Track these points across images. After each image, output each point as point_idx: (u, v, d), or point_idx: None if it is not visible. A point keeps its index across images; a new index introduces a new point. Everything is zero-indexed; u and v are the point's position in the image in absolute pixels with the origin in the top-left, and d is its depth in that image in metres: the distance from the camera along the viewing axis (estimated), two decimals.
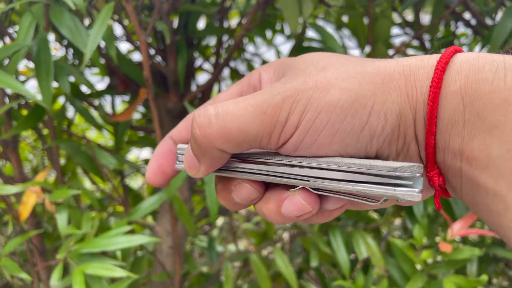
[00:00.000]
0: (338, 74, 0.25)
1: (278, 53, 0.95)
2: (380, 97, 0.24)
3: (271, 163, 0.28)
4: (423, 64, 0.25)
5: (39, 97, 0.57)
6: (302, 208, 0.27)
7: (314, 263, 0.79)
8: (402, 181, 0.24)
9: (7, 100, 0.66)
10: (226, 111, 0.26)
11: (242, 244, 1.21)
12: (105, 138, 1.23)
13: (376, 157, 0.26)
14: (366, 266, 0.79)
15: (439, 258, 0.67)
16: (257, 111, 0.25)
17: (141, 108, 0.90)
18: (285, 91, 0.26)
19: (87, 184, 1.12)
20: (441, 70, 0.23)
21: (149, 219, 0.93)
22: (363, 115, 0.24)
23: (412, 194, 0.23)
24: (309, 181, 0.27)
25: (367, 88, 0.24)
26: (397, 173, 0.23)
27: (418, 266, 0.69)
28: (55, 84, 0.70)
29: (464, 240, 0.76)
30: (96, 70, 0.87)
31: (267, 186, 0.30)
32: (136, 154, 1.25)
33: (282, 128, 0.25)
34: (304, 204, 0.27)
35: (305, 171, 0.27)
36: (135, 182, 1.33)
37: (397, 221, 0.99)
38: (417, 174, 0.23)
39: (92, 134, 1.24)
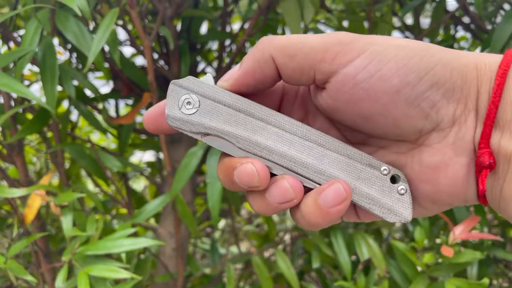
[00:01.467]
0: (404, 41, 0.26)
1: None
2: (449, 55, 0.25)
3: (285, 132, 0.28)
4: (491, 55, 0.26)
5: (43, 100, 0.58)
6: (285, 193, 0.26)
7: (315, 264, 0.79)
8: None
9: (12, 103, 0.67)
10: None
11: (244, 246, 1.22)
12: (107, 140, 1.23)
13: (432, 109, 0.26)
14: (368, 267, 0.79)
15: (440, 260, 0.68)
16: (323, 35, 0.26)
17: (144, 111, 0.90)
18: (355, 35, 0.26)
19: (90, 186, 1.13)
20: (511, 54, 0.25)
21: (152, 221, 0.93)
22: (431, 62, 0.24)
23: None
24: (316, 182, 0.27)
25: (436, 49, 0.25)
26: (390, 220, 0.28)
27: (419, 268, 0.70)
28: (59, 88, 0.71)
29: (465, 242, 0.76)
30: (100, 74, 0.88)
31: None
32: (139, 156, 1.26)
33: (344, 47, 0.25)
34: (288, 188, 0.26)
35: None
36: (138, 185, 1.34)
37: (398, 223, 1.00)
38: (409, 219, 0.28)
39: (94, 136, 1.25)
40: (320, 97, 0.27)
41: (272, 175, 0.28)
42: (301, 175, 0.27)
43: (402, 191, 0.27)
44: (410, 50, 0.25)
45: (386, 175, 0.28)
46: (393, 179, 0.28)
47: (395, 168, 0.28)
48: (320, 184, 0.27)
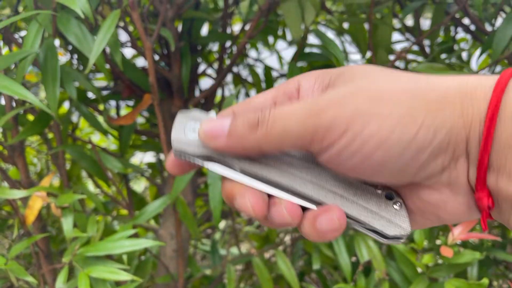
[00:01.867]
0: (390, 87, 0.25)
1: (280, 59, 0.96)
2: (432, 113, 0.24)
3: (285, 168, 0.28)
4: (481, 83, 0.25)
5: (44, 102, 0.58)
6: (283, 218, 0.28)
7: (316, 266, 0.79)
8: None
9: (13, 104, 0.67)
10: (276, 113, 0.27)
11: (244, 247, 1.22)
12: (107, 141, 1.24)
13: (420, 169, 0.26)
14: (368, 269, 0.80)
15: (439, 261, 0.68)
16: (303, 112, 0.26)
17: (145, 113, 0.91)
18: (334, 97, 0.26)
19: (91, 187, 1.13)
20: (500, 91, 0.23)
21: (152, 222, 0.94)
22: (412, 129, 0.24)
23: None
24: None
25: (420, 103, 0.24)
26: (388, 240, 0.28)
27: (419, 269, 0.70)
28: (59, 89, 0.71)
29: (465, 243, 0.76)
30: (101, 75, 0.88)
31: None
32: (139, 158, 1.26)
33: (326, 132, 0.25)
34: (285, 214, 0.27)
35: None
36: (138, 186, 1.34)
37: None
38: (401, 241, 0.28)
39: (95, 138, 1.25)
40: (317, 157, 0.28)
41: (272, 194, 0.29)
42: (301, 193, 0.28)
43: (398, 207, 0.28)
44: (391, 120, 0.24)
45: (380, 193, 0.29)
46: (388, 197, 0.29)
47: (386, 188, 0.29)
48: (319, 201, 0.28)
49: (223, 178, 0.30)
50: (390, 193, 0.29)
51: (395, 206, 0.28)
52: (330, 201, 0.28)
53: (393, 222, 0.28)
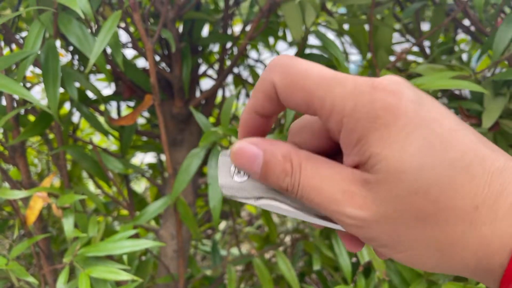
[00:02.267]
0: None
1: None
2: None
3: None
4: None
5: (44, 102, 0.58)
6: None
7: (316, 266, 0.79)
8: None
9: (15, 104, 0.67)
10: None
11: (244, 248, 1.22)
12: (107, 142, 1.24)
13: None
14: (368, 270, 0.80)
15: None
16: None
17: (145, 113, 0.91)
18: (379, 203, 0.24)
19: (91, 187, 1.13)
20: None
21: (152, 223, 0.94)
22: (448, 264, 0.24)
23: None
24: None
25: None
26: None
27: (418, 272, 0.70)
28: (60, 90, 0.71)
29: None
30: (102, 75, 0.88)
31: None
32: (140, 158, 1.27)
33: (365, 235, 0.25)
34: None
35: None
36: (139, 186, 1.34)
37: None
38: None
39: (95, 138, 1.26)
40: None
41: None
42: None
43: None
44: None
45: None
46: None
47: None
48: None
49: None
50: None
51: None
52: None
53: None
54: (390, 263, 0.76)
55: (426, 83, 0.58)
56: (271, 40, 0.91)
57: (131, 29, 0.75)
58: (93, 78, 0.90)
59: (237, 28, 1.10)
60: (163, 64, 0.80)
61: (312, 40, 1.08)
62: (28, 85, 0.83)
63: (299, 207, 0.28)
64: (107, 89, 0.98)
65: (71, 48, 0.77)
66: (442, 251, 0.23)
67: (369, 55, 0.81)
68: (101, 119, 0.79)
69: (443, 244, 0.23)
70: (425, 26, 0.96)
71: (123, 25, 0.70)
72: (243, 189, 0.28)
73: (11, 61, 0.56)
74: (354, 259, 0.83)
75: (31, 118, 0.73)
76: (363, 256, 0.75)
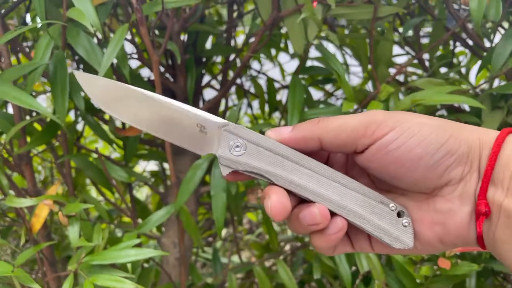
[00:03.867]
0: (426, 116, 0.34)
1: (283, 71, 0.98)
2: (458, 130, 0.33)
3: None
4: (490, 130, 0.33)
5: (49, 111, 0.59)
6: (314, 217, 0.33)
7: (316, 275, 0.80)
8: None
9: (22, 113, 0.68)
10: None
11: (245, 256, 1.23)
12: (110, 149, 1.25)
13: (445, 172, 0.33)
14: (367, 278, 0.81)
15: (438, 272, 0.69)
16: (357, 115, 0.33)
17: None
18: (388, 113, 0.33)
19: (94, 194, 1.14)
20: (508, 131, 0.33)
21: (154, 230, 0.95)
22: (445, 136, 0.32)
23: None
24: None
25: (449, 124, 0.33)
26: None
27: (418, 280, 0.71)
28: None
29: (463, 254, 0.78)
30: None
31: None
32: (142, 166, 1.28)
33: (379, 125, 0.32)
34: (316, 213, 0.33)
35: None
36: (141, 194, 1.35)
37: None
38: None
39: (98, 145, 1.27)
40: (358, 158, 0.34)
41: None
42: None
43: (406, 224, 0.34)
44: (429, 127, 0.32)
45: (393, 210, 0.34)
46: (399, 214, 0.34)
47: (400, 205, 0.34)
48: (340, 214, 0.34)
49: (270, 185, 0.35)
50: (401, 211, 0.34)
51: (403, 222, 0.34)
52: (351, 218, 0.34)
53: (400, 239, 0.34)
54: (390, 271, 0.77)
55: (425, 98, 0.60)
56: (273, 51, 0.92)
57: (136, 39, 0.76)
58: None
59: (240, 39, 1.11)
60: (167, 75, 0.82)
61: (314, 51, 1.10)
62: (33, 93, 0.84)
63: (283, 185, 0.33)
64: None
65: (76, 57, 0.78)
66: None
67: (369, 66, 0.83)
68: (105, 128, 0.80)
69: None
70: (425, 38, 0.98)
71: (129, 36, 0.72)
72: (238, 162, 0.34)
73: (21, 72, 0.58)
74: (353, 268, 0.84)
75: (38, 127, 0.74)
76: (363, 265, 0.76)
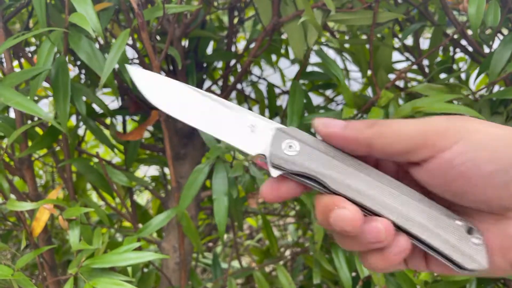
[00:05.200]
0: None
1: (283, 77, 0.98)
2: None
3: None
4: None
5: (50, 115, 0.60)
6: (378, 234, 0.29)
7: (316, 280, 0.80)
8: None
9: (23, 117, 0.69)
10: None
11: (245, 261, 1.23)
12: (111, 154, 1.25)
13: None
14: (368, 284, 0.80)
15: (438, 278, 0.69)
16: (415, 121, 0.29)
17: (150, 127, 0.92)
18: (446, 117, 0.29)
19: (94, 198, 1.15)
20: None
21: (155, 235, 0.95)
22: None
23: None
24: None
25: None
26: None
27: (418, 286, 0.71)
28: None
29: None
30: (108, 90, 0.90)
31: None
32: (143, 171, 1.28)
33: (442, 135, 0.28)
34: (381, 230, 0.29)
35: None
36: (141, 199, 1.35)
37: None
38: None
39: (99, 150, 1.27)
40: (414, 170, 0.30)
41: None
42: (388, 219, 0.30)
43: (477, 242, 0.30)
44: (502, 138, 0.27)
45: (462, 227, 0.30)
46: (469, 231, 0.30)
47: (469, 222, 0.30)
48: (403, 229, 0.30)
49: (319, 195, 0.32)
50: (470, 227, 0.30)
51: (474, 240, 0.30)
52: (415, 230, 0.30)
53: (473, 257, 0.29)
54: (390, 276, 0.77)
55: (425, 106, 0.60)
56: (273, 57, 0.93)
57: (138, 45, 0.77)
58: (99, 92, 0.92)
59: (240, 45, 1.12)
60: None
61: (314, 57, 1.11)
62: (35, 98, 0.85)
63: (339, 190, 0.30)
64: (113, 103, 1.00)
65: (78, 62, 0.78)
66: None
67: (369, 72, 0.83)
68: (107, 133, 0.81)
69: None
70: (424, 43, 0.99)
71: (130, 42, 0.72)
72: (291, 162, 0.31)
73: (24, 77, 0.58)
74: (354, 273, 0.84)
75: (39, 131, 0.74)
76: (363, 270, 0.76)
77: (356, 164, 0.31)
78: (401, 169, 0.33)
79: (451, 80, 0.81)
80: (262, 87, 0.94)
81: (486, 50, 0.80)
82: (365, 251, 0.31)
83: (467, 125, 0.28)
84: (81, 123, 0.78)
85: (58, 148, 0.84)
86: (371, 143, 0.30)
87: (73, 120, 1.00)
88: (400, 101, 0.78)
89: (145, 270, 0.87)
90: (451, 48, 0.90)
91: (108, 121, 0.83)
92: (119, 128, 0.88)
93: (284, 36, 0.88)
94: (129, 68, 0.36)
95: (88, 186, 0.98)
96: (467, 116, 0.30)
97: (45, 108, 1.20)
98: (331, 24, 0.89)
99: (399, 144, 0.29)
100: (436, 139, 0.28)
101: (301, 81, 0.81)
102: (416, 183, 0.32)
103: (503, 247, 0.29)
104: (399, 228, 0.30)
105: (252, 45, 0.81)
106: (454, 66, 0.92)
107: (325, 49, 0.90)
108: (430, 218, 0.30)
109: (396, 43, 0.90)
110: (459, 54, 1.00)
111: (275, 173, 0.32)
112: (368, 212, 0.30)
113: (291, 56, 0.92)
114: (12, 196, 0.75)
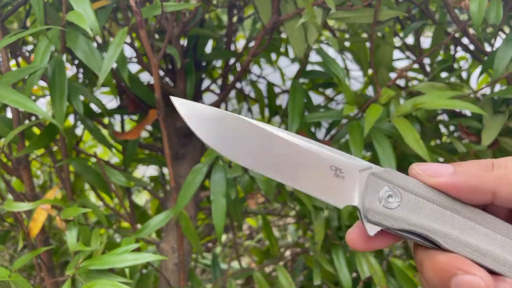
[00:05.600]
0: None
1: (283, 76, 0.98)
2: None
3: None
4: None
5: (49, 115, 0.59)
6: None
7: (316, 281, 0.80)
8: None
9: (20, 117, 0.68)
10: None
11: (245, 262, 1.22)
12: (109, 154, 1.24)
13: None
14: (368, 284, 0.80)
15: None
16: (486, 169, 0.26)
17: (148, 127, 0.92)
18: None
19: (93, 199, 1.14)
20: None
21: (153, 236, 0.94)
22: None
23: None
24: None
25: None
26: None
27: (419, 286, 0.70)
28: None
29: None
30: (105, 89, 0.89)
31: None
32: (142, 171, 1.27)
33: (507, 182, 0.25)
34: None
35: None
36: (140, 199, 1.35)
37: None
38: None
39: (97, 150, 1.26)
40: None
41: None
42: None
43: None
44: None
45: None
46: None
47: None
48: None
49: (425, 249, 0.27)
50: None
51: None
52: None
53: None
54: (391, 277, 0.77)
55: (426, 103, 0.59)
56: (273, 56, 0.92)
57: (136, 44, 0.76)
58: (97, 91, 0.92)
59: (240, 44, 1.11)
60: (167, 79, 0.82)
61: (314, 56, 1.10)
62: (33, 97, 0.84)
63: (455, 249, 0.26)
64: (111, 103, 1.00)
65: (76, 61, 0.78)
66: None
67: (370, 71, 0.82)
68: (105, 132, 0.80)
69: None
70: (425, 42, 0.98)
71: (128, 40, 0.72)
72: (392, 218, 0.26)
73: (20, 76, 0.57)
74: (354, 274, 0.83)
75: (36, 131, 0.73)
76: (364, 271, 0.75)
77: (473, 213, 0.26)
78: None
79: (452, 79, 0.80)
80: (262, 86, 0.94)
81: (488, 48, 0.79)
82: None
83: None
84: (79, 123, 0.77)
85: (56, 148, 0.84)
86: (495, 191, 0.25)
87: (71, 119, 1.00)
88: (401, 101, 0.78)
89: (144, 271, 0.86)
90: (452, 47, 0.89)
91: (106, 120, 0.82)
92: (118, 128, 0.87)
93: (284, 35, 0.87)
94: (174, 100, 0.31)
95: (87, 186, 0.97)
96: None
97: (43, 107, 1.20)
98: (331, 23, 0.88)
99: (474, 194, 0.26)
100: (499, 185, 0.25)
101: (301, 80, 0.80)
102: None
103: None
104: None
105: (252, 44, 0.80)
106: (455, 65, 0.92)
107: (325, 47, 0.89)
108: None
109: (397, 41, 0.89)
110: (460, 53, 0.99)
111: (372, 230, 0.27)
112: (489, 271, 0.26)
113: (291, 55, 0.91)
114: (10, 197, 0.74)
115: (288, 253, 1.02)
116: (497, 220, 0.26)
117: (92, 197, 1.15)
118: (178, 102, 0.31)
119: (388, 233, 0.27)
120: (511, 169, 0.25)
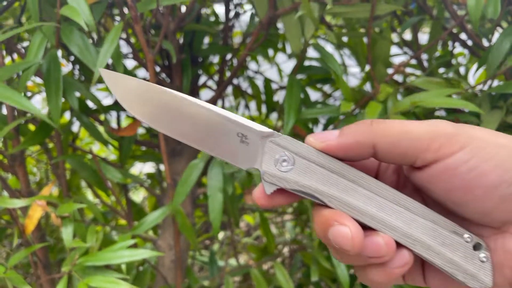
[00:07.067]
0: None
1: (280, 72, 0.97)
2: None
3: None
4: None
5: (44, 111, 0.59)
6: (378, 249, 0.28)
7: (314, 277, 0.79)
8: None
9: (15, 113, 0.68)
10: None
11: (242, 259, 1.22)
12: (106, 151, 1.24)
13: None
14: None
15: None
16: (420, 122, 0.28)
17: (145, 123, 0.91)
18: (456, 125, 0.28)
19: (90, 197, 1.13)
20: None
21: (150, 233, 0.94)
22: None
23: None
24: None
25: None
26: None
27: None
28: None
29: None
30: (101, 85, 0.88)
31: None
32: (139, 168, 1.27)
33: (449, 139, 0.27)
34: (382, 245, 0.28)
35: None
36: (137, 196, 1.34)
37: None
38: None
39: (94, 147, 1.26)
40: (415, 176, 0.29)
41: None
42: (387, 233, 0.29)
43: (484, 259, 0.28)
44: (509, 150, 0.27)
45: (468, 242, 0.29)
46: (475, 247, 0.29)
47: (476, 236, 0.29)
48: (405, 245, 0.29)
49: (317, 206, 0.30)
50: (478, 243, 0.29)
51: (481, 256, 0.28)
52: (418, 249, 0.29)
53: (477, 276, 0.28)
54: None
55: (424, 100, 0.59)
56: (270, 52, 0.92)
57: (132, 39, 0.75)
58: (93, 87, 0.91)
59: (237, 39, 1.11)
60: (163, 75, 0.81)
61: (311, 52, 1.10)
62: (29, 94, 0.83)
63: (338, 208, 0.29)
64: (107, 99, 0.99)
65: (72, 58, 0.77)
66: None
67: (367, 67, 0.82)
68: (101, 129, 0.80)
69: None
70: (423, 38, 0.98)
71: (124, 36, 0.71)
72: (285, 180, 0.30)
73: (14, 71, 0.57)
74: (351, 271, 0.83)
75: (31, 127, 0.73)
76: None
77: (357, 177, 0.29)
78: (402, 178, 0.32)
79: (450, 75, 0.80)
80: (259, 82, 0.93)
81: (486, 44, 0.79)
82: (363, 265, 0.29)
83: (474, 133, 0.27)
84: (75, 119, 0.77)
85: (52, 145, 0.83)
86: (374, 144, 0.28)
87: (67, 116, 0.99)
88: (399, 97, 0.77)
89: (141, 268, 0.86)
90: (450, 43, 0.89)
91: (102, 117, 0.82)
92: (114, 124, 0.86)
93: (281, 31, 0.86)
94: (102, 71, 0.33)
95: (84, 184, 0.97)
96: (479, 127, 0.28)
97: (39, 104, 1.19)
98: (328, 18, 0.88)
99: (404, 144, 0.27)
100: (442, 143, 0.27)
101: (299, 76, 0.79)
102: (417, 192, 0.31)
103: (501, 263, 0.28)
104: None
105: (249, 39, 0.80)
106: (453, 62, 0.91)
107: (322, 43, 0.89)
108: (435, 236, 0.29)
109: (395, 37, 0.89)
110: (458, 49, 0.99)
111: (269, 189, 0.30)
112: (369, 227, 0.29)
113: (288, 50, 0.91)
114: (5, 193, 0.73)
115: (285, 250, 1.02)
116: (379, 183, 0.29)
117: (89, 194, 1.14)
118: (106, 74, 0.33)
119: (286, 192, 0.30)
120: (388, 124, 0.28)
